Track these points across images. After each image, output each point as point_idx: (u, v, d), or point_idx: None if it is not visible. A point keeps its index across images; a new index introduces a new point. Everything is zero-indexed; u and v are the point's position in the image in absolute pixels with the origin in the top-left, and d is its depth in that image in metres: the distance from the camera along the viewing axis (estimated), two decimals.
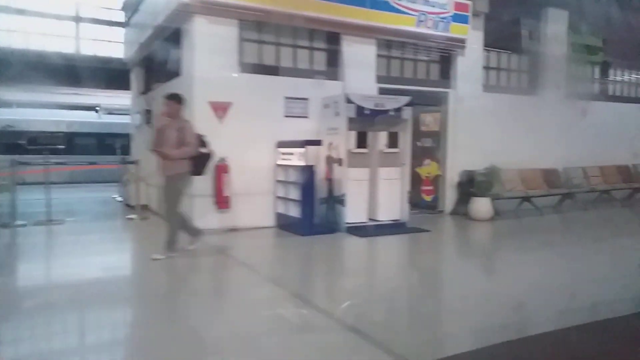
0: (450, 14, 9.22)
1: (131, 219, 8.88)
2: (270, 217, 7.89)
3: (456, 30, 9.36)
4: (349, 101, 7.42)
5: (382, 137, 7.81)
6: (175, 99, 5.70)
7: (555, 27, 10.99)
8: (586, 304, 4.40)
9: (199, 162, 5.65)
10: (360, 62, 8.64)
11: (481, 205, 8.90)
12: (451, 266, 6.25)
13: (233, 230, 7.52)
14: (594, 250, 6.86)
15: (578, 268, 5.80)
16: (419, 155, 9.78)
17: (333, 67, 8.57)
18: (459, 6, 9.28)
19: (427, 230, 7.82)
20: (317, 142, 7.32)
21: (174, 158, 5.48)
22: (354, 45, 8.55)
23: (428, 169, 9.65)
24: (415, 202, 9.85)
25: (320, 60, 8.58)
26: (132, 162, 10.10)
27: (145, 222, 8.66)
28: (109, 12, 15.25)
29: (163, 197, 5.90)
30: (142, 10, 10.35)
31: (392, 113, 7.76)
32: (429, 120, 9.81)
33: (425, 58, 9.63)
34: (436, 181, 9.83)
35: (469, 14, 9.46)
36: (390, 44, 9.22)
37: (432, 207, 9.84)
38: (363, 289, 5.05)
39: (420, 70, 9.63)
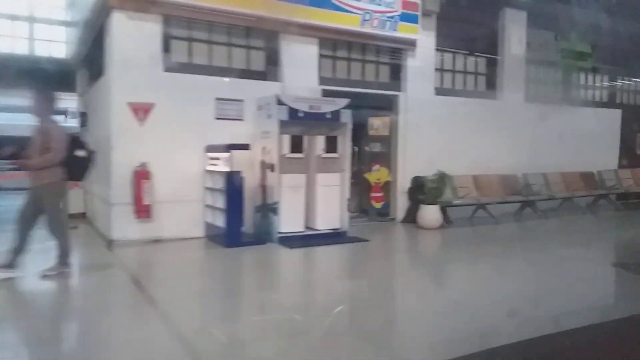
0: (398, 13, 8.81)
1: None
2: (200, 227, 7.34)
3: (405, 30, 8.95)
4: (280, 103, 6.93)
5: (320, 142, 7.33)
6: (42, 94, 4.97)
7: (513, 27, 10.66)
8: (518, 322, 3.94)
9: (76, 167, 4.98)
10: (301, 63, 8.18)
11: (429, 213, 8.45)
12: (378, 280, 5.71)
13: (156, 241, 6.97)
14: (537, 260, 6.43)
15: (515, 281, 5.35)
16: (368, 160, 9.33)
17: (273, 67, 8.09)
18: (407, 5, 8.87)
19: (366, 240, 7.34)
20: (244, 146, 6.80)
21: (33, 168, 4.79)
22: (294, 45, 8.09)
23: (377, 175, 9.18)
24: (365, 210, 9.42)
25: (258, 59, 8.10)
26: None
27: (72, 232, 8.05)
28: (56, 11, 14.62)
29: (35, 210, 5.02)
30: (77, 7, 9.81)
31: (329, 116, 7.29)
32: (378, 124, 9.37)
33: (374, 59, 9.21)
34: (387, 188, 9.37)
35: (419, 13, 9.06)
36: (336, 44, 8.78)
37: (384, 215, 9.38)
38: (263, 314, 4.47)
39: (368, 72, 9.20)
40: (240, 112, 7.62)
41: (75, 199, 8.72)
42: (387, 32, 8.76)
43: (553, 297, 4.71)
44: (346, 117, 7.45)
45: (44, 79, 12.83)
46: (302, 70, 8.15)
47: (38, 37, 15.31)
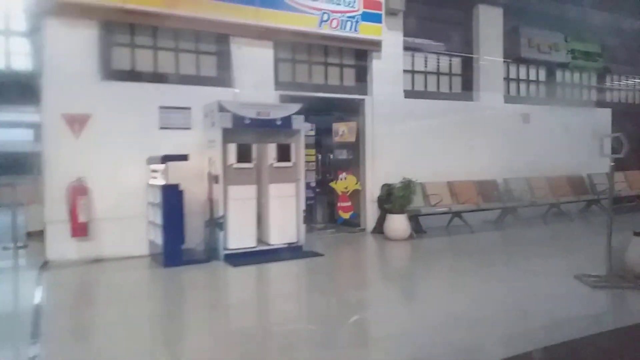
0: (359, 13, 8.36)
1: (7, 248, 7.83)
2: (144, 245, 6.88)
3: (368, 31, 8.49)
4: (223, 109, 6.48)
5: (272, 150, 6.86)
6: None
7: (489, 25, 10.17)
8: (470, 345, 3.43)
9: None
10: (255, 67, 7.73)
11: (396, 223, 7.93)
12: (317, 302, 5.14)
13: (96, 261, 6.51)
14: (497, 275, 5.89)
15: (464, 301, 4.81)
16: (335, 168, 8.84)
17: (226, 72, 7.66)
18: (369, 4, 8.43)
19: (321, 255, 6.81)
20: (182, 157, 6.32)
21: None
22: (246, 49, 7.65)
23: (345, 183, 8.70)
24: (331, 221, 8.92)
25: (208, 65, 7.67)
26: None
27: (22, 251, 7.60)
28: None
29: None
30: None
31: (279, 122, 6.83)
32: (344, 130, 8.89)
33: (337, 62, 8.76)
34: (356, 197, 8.87)
35: (382, 12, 8.61)
36: (295, 47, 8.34)
37: (355, 225, 8.88)
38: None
39: (332, 75, 8.74)
40: (187, 120, 7.18)
41: (35, 216, 8.29)
42: (349, 33, 8.30)
43: (497, 319, 4.20)
44: (299, 123, 6.98)
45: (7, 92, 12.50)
46: (256, 75, 7.71)
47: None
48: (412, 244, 7.82)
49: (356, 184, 8.78)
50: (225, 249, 6.50)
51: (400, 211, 7.95)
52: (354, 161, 8.89)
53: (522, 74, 11.05)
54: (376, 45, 8.72)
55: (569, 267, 5.60)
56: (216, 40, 7.63)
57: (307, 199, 8.42)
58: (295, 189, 7.02)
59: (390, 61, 8.99)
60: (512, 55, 10.53)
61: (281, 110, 6.85)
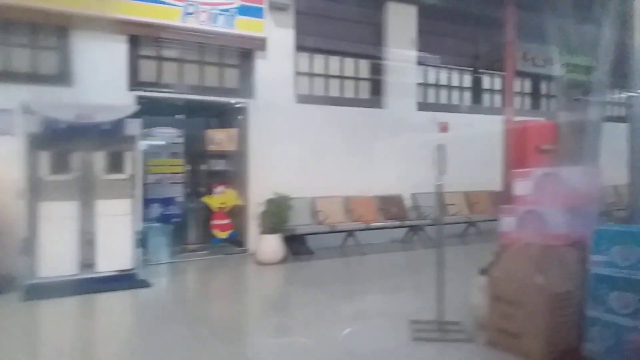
0: (235, 6, 7.41)
1: None
2: None
3: (246, 27, 7.54)
4: (28, 111, 5.45)
5: (99, 160, 5.83)
6: None
7: (400, 25, 9.26)
8: None
9: None
10: (103, 64, 6.73)
11: (267, 245, 6.92)
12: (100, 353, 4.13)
13: None
14: (324, 314, 4.88)
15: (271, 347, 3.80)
16: (209, 181, 7.83)
17: (64, 69, 6.64)
18: None
19: (147, 286, 5.76)
20: None
21: None
22: (90, 43, 6.65)
23: (222, 198, 7.67)
24: (210, 241, 7.87)
25: (44, 61, 6.65)
26: None
27: None
28: None
29: None
30: None
31: (108, 127, 5.80)
32: (221, 137, 7.88)
33: (214, 61, 7.78)
34: (237, 213, 7.85)
35: (264, 6, 7.66)
36: (162, 43, 7.35)
37: (238, 244, 7.85)
38: None
39: (209, 75, 7.75)
40: (7, 125, 6.13)
41: None
42: (222, 29, 7.33)
43: None
44: (135, 128, 5.96)
45: None
46: (103, 73, 6.70)
47: None
48: (283, 269, 6.82)
49: (236, 199, 7.75)
50: (35, 277, 5.44)
51: (271, 231, 6.94)
52: (235, 173, 7.89)
53: (443, 79, 10.13)
54: (259, 43, 7.75)
55: (416, 307, 4.62)
56: (54, 33, 6.62)
57: (172, 216, 7.41)
58: (131, 206, 5.98)
59: (279, 62, 8.03)
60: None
61: (110, 113, 5.83)
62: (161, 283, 6.06)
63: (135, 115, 5.94)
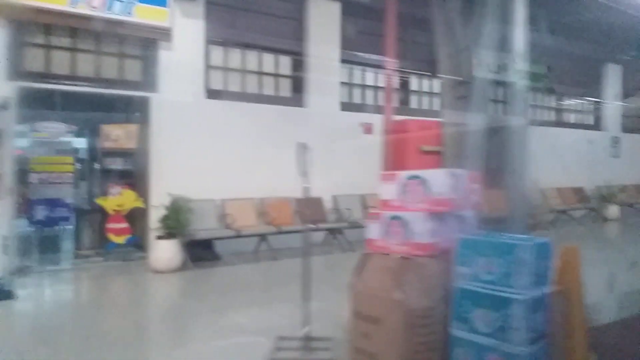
0: None
1: None
2: None
3: (148, 15, 6.98)
4: None
5: None
6: None
7: (323, 21, 8.93)
8: None
9: None
10: None
11: (161, 251, 6.38)
12: None
13: None
14: (210, 327, 4.43)
15: None
16: (104, 181, 7.21)
17: None
18: None
19: (10, 298, 5.12)
20: None
21: None
22: None
23: (118, 200, 7.07)
24: (100, 246, 7.26)
25: None
26: None
27: None
28: None
29: None
30: None
31: None
32: (119, 134, 7.28)
33: (113, 51, 7.17)
34: (138, 216, 7.27)
35: None
36: (51, 29, 6.70)
37: (141, 249, 7.26)
38: None
39: (107, 66, 7.14)
40: None
41: None
42: (119, 16, 6.75)
43: None
44: (4, 121, 5.32)
45: None
46: None
47: None
48: (177, 277, 6.29)
49: (136, 200, 7.17)
50: None
51: (167, 236, 6.41)
52: (135, 173, 7.30)
53: (369, 79, 9.85)
54: (163, 33, 7.21)
55: (301, 319, 4.22)
56: None
57: (60, 219, 6.75)
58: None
59: (187, 54, 7.52)
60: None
61: None
62: (30, 294, 5.42)
63: (20, 107, 5.30)
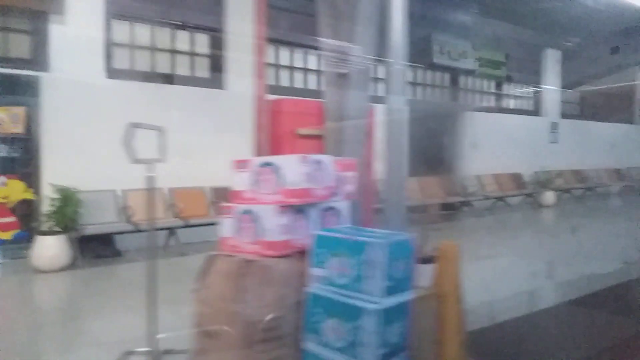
0: None
1: None
2: None
3: None
4: None
5: None
6: None
7: None
8: None
9: None
10: None
11: (45, 248, 5.71)
12: None
13: None
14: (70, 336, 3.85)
15: None
16: None
17: None
18: None
19: None
20: None
21: None
22: None
23: (4, 191, 6.32)
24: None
25: None
26: None
27: None
28: None
29: None
30: None
31: None
32: (3, 117, 6.49)
33: None
34: (27, 210, 6.53)
35: None
36: None
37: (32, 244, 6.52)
38: None
39: None
40: None
41: None
42: None
43: None
44: None
45: None
46: None
47: None
48: (58, 278, 5.62)
49: (25, 192, 6.44)
50: None
51: (51, 232, 5.74)
52: (23, 161, 6.54)
53: (298, 61, 9.31)
54: (53, 5, 6.45)
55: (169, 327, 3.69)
56: None
57: None
58: None
59: (84, 29, 6.77)
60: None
61: None
62: None
63: None
